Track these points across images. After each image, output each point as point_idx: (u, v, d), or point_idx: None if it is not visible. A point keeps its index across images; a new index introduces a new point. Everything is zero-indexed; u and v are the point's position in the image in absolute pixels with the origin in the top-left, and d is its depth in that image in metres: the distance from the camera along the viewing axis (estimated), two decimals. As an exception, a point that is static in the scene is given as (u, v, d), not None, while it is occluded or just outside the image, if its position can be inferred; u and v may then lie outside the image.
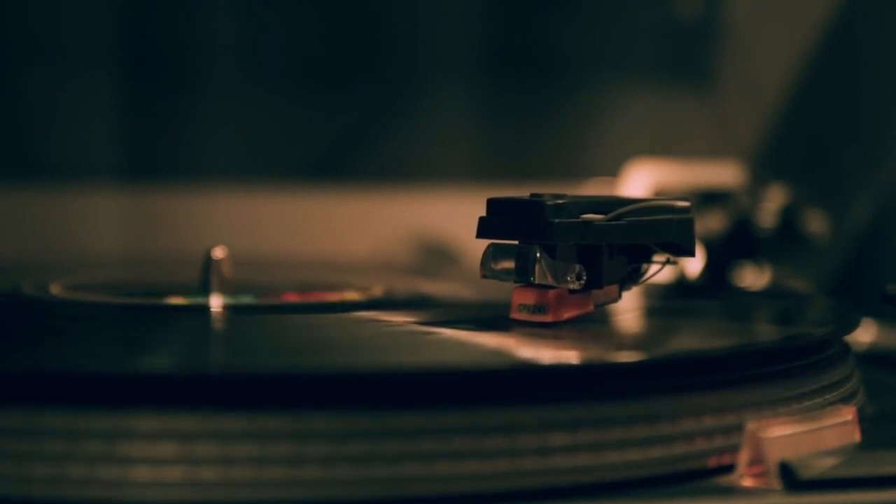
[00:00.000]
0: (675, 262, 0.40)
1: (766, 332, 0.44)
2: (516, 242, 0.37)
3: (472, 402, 0.31)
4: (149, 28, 0.72)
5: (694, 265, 0.57)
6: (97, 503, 0.29)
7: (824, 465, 0.32)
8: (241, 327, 0.41)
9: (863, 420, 0.36)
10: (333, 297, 0.47)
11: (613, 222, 0.37)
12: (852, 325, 0.40)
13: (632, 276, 0.39)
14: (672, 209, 0.39)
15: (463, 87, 0.75)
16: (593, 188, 0.68)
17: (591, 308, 0.38)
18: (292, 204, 0.73)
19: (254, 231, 0.72)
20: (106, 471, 0.29)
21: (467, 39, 0.75)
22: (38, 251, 0.69)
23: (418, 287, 0.50)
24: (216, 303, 0.43)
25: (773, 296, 0.54)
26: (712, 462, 0.33)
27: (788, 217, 0.59)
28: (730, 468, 0.33)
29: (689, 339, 0.40)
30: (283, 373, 0.31)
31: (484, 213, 0.38)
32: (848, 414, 0.35)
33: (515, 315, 0.38)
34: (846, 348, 0.40)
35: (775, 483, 0.32)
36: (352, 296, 0.47)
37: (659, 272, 0.40)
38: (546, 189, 0.39)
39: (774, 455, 0.32)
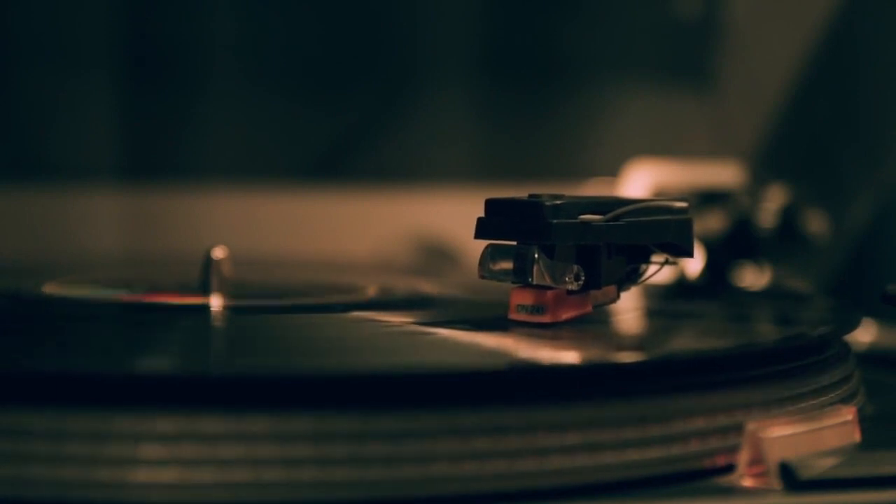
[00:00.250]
0: (673, 263, 0.40)
1: (766, 332, 0.44)
2: (514, 243, 0.37)
3: (471, 402, 0.31)
4: (149, 28, 0.72)
5: (694, 265, 0.57)
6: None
7: (824, 465, 0.32)
8: (240, 327, 0.41)
9: (863, 420, 0.36)
10: (333, 297, 0.47)
11: (612, 223, 0.37)
12: (852, 325, 0.40)
13: (630, 277, 0.39)
14: (670, 210, 0.39)
15: (463, 87, 0.75)
16: (593, 188, 0.68)
17: (589, 309, 0.38)
18: (292, 204, 0.73)
19: (254, 231, 0.72)
20: (105, 472, 0.29)
21: (467, 39, 0.75)
22: (38, 251, 0.69)
23: (418, 287, 0.50)
24: (216, 303, 0.43)
25: (773, 296, 0.54)
26: (712, 462, 0.33)
27: (788, 217, 0.59)
28: (730, 468, 0.33)
29: (688, 340, 0.40)
30: (282, 373, 0.31)
31: (483, 214, 0.38)
32: (848, 414, 0.35)
33: (513, 316, 0.38)
34: (846, 348, 0.40)
35: (775, 483, 0.32)
36: (351, 296, 0.47)
37: (657, 273, 0.40)
38: (546, 189, 0.39)
39: (774, 455, 0.32)
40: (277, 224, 0.72)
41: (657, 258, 0.40)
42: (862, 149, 0.68)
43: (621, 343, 0.39)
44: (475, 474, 0.30)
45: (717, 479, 0.32)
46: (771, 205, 0.59)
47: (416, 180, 0.74)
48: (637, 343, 0.39)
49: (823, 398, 0.36)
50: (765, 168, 0.67)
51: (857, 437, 0.35)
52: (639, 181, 0.62)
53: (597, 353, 0.36)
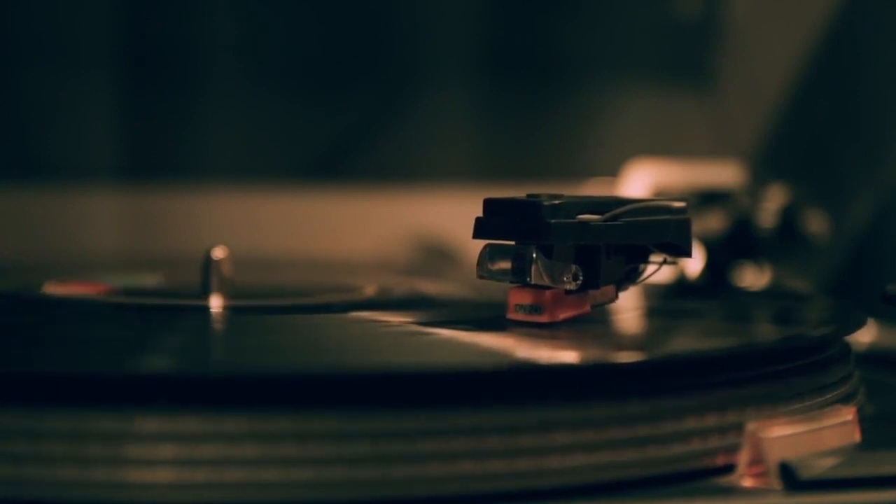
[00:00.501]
0: (672, 263, 0.40)
1: (766, 332, 0.44)
2: (513, 243, 0.37)
3: (469, 402, 0.31)
4: (149, 28, 0.72)
5: (694, 265, 0.57)
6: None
7: (824, 465, 0.32)
8: (240, 327, 0.41)
9: (863, 420, 0.36)
10: (333, 297, 0.47)
11: (610, 223, 0.37)
12: (856, 325, 0.40)
13: (629, 277, 0.39)
14: (669, 210, 0.39)
15: (463, 87, 0.75)
16: (593, 188, 0.68)
17: (587, 308, 0.38)
18: (292, 204, 0.73)
19: (254, 231, 0.72)
20: (105, 472, 0.29)
21: (467, 39, 0.75)
22: (38, 251, 0.69)
23: (418, 287, 0.50)
24: (216, 303, 0.43)
25: (773, 296, 0.54)
26: (712, 462, 0.33)
27: (788, 217, 0.59)
28: (730, 468, 0.33)
29: (689, 340, 0.40)
30: (281, 373, 0.31)
31: (482, 214, 0.38)
32: (848, 414, 0.35)
33: (512, 315, 0.38)
34: (846, 348, 0.40)
35: (775, 483, 0.32)
36: (351, 296, 0.47)
37: (656, 273, 0.40)
38: (546, 189, 0.39)
39: (774, 455, 0.32)
40: (277, 224, 0.72)
41: (656, 258, 0.39)
42: (862, 149, 0.68)
43: (620, 343, 0.39)
44: (473, 474, 0.30)
45: (717, 479, 0.32)
46: (771, 205, 0.59)
47: (416, 180, 0.74)
48: (636, 343, 0.39)
49: (823, 398, 0.36)
50: (765, 168, 0.67)
51: (857, 437, 0.35)
52: (639, 181, 0.62)
53: (596, 353, 0.36)
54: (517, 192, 0.39)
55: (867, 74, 0.68)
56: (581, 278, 0.37)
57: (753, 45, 0.75)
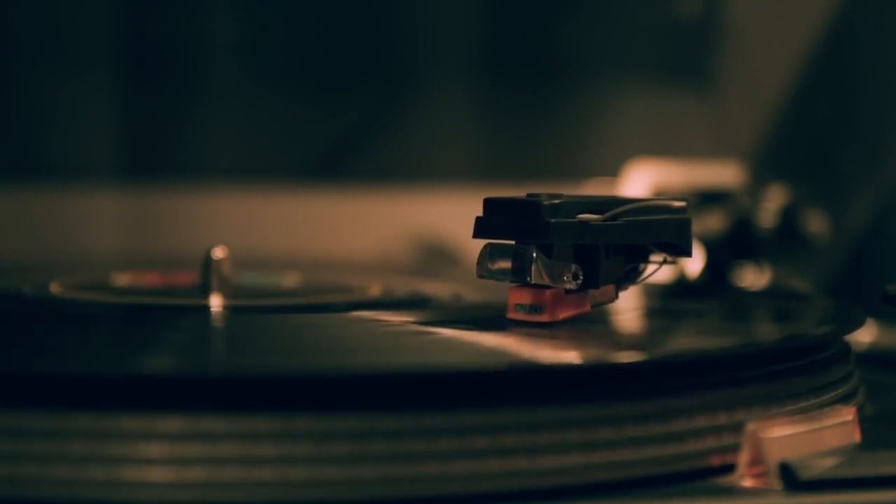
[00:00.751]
0: (672, 262, 0.40)
1: (766, 331, 0.44)
2: (513, 242, 0.37)
3: (469, 402, 0.31)
4: (149, 28, 0.72)
5: (694, 265, 0.57)
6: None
7: (824, 466, 0.32)
8: (240, 327, 0.41)
9: (863, 420, 0.36)
10: (333, 297, 0.47)
11: (610, 222, 0.37)
12: (856, 324, 0.40)
13: (629, 276, 0.39)
14: (669, 209, 0.39)
15: (463, 87, 0.75)
16: (593, 188, 0.68)
17: (587, 308, 0.38)
18: (292, 204, 0.73)
19: (254, 231, 0.72)
20: (105, 472, 0.29)
21: (467, 39, 0.75)
22: (38, 251, 0.69)
23: (418, 287, 0.50)
24: (216, 303, 0.43)
25: (773, 296, 0.54)
26: (712, 462, 0.33)
27: (788, 217, 0.59)
28: (730, 468, 0.33)
29: (689, 339, 0.40)
30: (281, 373, 0.31)
31: (482, 213, 0.38)
32: (848, 414, 0.35)
33: (512, 315, 0.38)
34: (846, 348, 0.40)
35: (775, 483, 0.32)
36: (352, 296, 0.47)
37: (656, 272, 0.40)
38: (546, 189, 0.39)
39: (774, 455, 0.32)
40: (277, 224, 0.72)
41: (656, 258, 0.39)
42: (862, 149, 0.68)
43: (620, 342, 0.39)
44: (472, 473, 0.30)
45: (717, 479, 0.32)
46: (771, 205, 0.59)
47: (416, 180, 0.74)
48: (636, 343, 0.39)
49: (823, 398, 0.36)
50: (765, 168, 0.67)
51: (857, 437, 0.35)
52: (639, 181, 0.62)
53: (596, 353, 0.36)
54: (517, 191, 0.39)
55: (867, 74, 0.68)
56: (581, 278, 0.37)
57: (753, 45, 0.75)
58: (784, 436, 0.32)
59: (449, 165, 0.75)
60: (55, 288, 0.47)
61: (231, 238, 0.54)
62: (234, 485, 0.29)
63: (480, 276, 0.38)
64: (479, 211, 0.38)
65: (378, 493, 0.30)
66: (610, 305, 0.39)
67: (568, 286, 0.37)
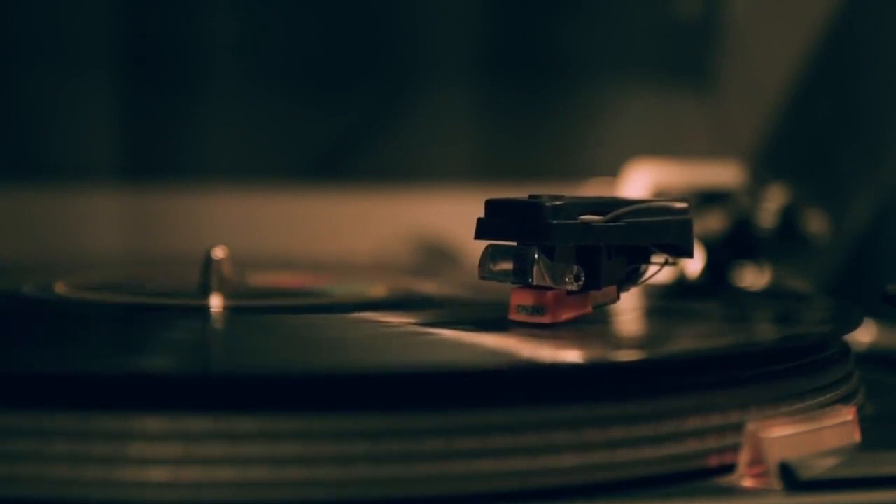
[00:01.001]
0: (673, 263, 0.40)
1: (766, 331, 0.44)
2: (515, 244, 0.37)
3: (469, 402, 0.31)
4: (149, 28, 0.72)
5: (694, 265, 0.57)
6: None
7: (824, 466, 0.32)
8: (240, 327, 0.41)
9: (863, 420, 0.36)
10: (333, 297, 0.47)
11: (612, 223, 0.37)
12: (854, 324, 0.40)
13: (630, 277, 0.39)
14: (670, 210, 0.39)
15: (463, 87, 0.75)
16: (593, 188, 0.68)
17: (589, 309, 0.38)
18: (292, 204, 0.73)
19: (254, 231, 0.72)
20: (106, 472, 0.29)
21: (467, 39, 0.75)
22: (38, 251, 0.69)
23: (418, 287, 0.50)
24: (216, 303, 0.43)
25: (773, 296, 0.54)
26: (712, 462, 0.33)
27: (788, 217, 0.59)
28: (730, 468, 0.33)
29: (689, 339, 0.40)
30: (281, 373, 0.31)
31: (483, 214, 0.38)
32: (848, 414, 0.35)
33: (514, 316, 0.38)
34: (846, 348, 0.40)
35: (775, 483, 0.32)
36: (352, 296, 0.47)
37: (657, 273, 0.40)
38: (546, 189, 0.39)
39: (774, 455, 0.32)
40: (277, 224, 0.72)
41: (657, 259, 0.39)
42: (862, 149, 0.68)
43: (621, 343, 0.39)
44: (472, 473, 0.30)
45: (717, 479, 0.32)
46: (771, 205, 0.59)
47: (416, 180, 0.74)
48: (637, 343, 0.39)
49: (823, 398, 0.36)
50: (765, 168, 0.67)
51: (857, 437, 0.35)
52: (639, 181, 0.62)
53: (597, 353, 0.36)
54: (517, 192, 0.39)
55: (867, 74, 0.68)
56: (583, 279, 0.37)
57: (753, 45, 0.75)
58: (784, 436, 0.32)
59: (449, 165, 0.75)
60: (55, 288, 0.47)
61: (231, 238, 0.54)
62: (234, 484, 0.29)
63: (482, 278, 0.38)
64: (479, 211, 0.38)
65: (379, 493, 0.30)
66: (611, 306, 0.39)
67: (570, 287, 0.37)
